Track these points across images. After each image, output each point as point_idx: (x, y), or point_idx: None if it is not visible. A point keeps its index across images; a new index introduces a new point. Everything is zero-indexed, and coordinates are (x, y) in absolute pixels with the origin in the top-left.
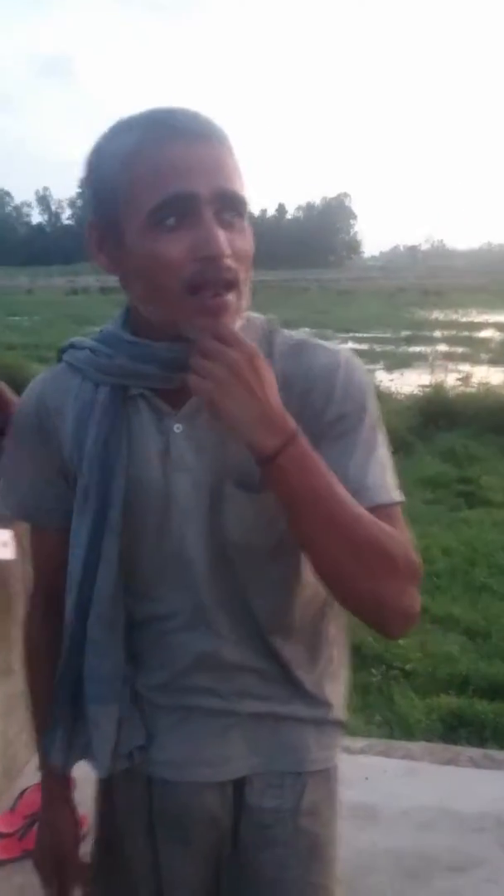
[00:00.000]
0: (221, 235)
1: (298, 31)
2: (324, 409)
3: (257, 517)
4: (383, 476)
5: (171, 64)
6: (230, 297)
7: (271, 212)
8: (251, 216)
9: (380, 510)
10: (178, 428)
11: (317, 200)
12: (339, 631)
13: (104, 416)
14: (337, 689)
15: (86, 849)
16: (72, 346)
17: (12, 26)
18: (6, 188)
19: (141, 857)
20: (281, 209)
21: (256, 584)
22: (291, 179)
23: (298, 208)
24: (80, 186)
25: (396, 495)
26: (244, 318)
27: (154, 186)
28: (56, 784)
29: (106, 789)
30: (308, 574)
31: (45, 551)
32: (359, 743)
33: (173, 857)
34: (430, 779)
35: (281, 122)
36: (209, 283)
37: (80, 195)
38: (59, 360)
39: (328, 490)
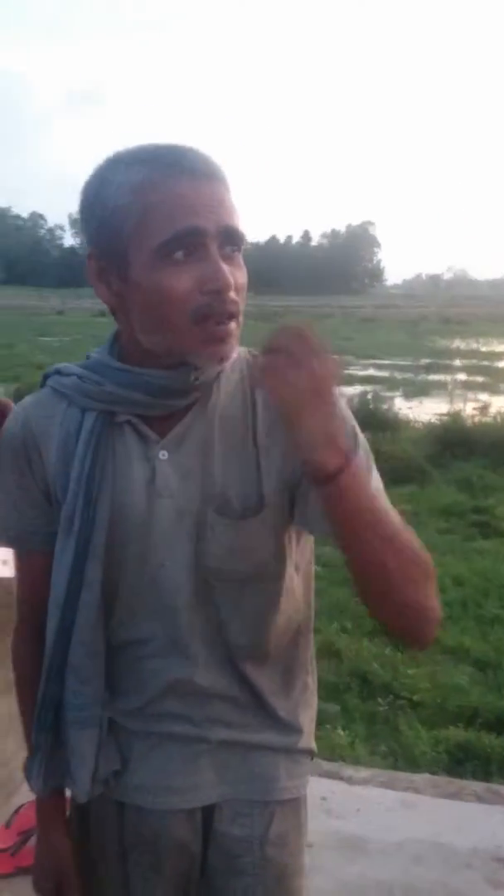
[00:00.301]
0: (227, 269)
1: (324, 63)
2: None
3: (238, 544)
4: (382, 497)
5: (198, 88)
6: (232, 324)
7: (297, 238)
8: (275, 242)
9: None
10: (163, 455)
11: (341, 228)
12: (311, 659)
13: (90, 441)
14: (309, 718)
15: None
16: (58, 371)
17: (48, 55)
18: (40, 211)
19: (112, 882)
20: (306, 236)
21: (234, 611)
22: (317, 206)
23: (323, 235)
24: (80, 215)
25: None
26: None
27: (164, 221)
28: (50, 805)
29: (80, 813)
30: (285, 602)
31: (31, 574)
32: (362, 773)
33: (143, 883)
34: (426, 812)
35: (308, 149)
36: (215, 314)
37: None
38: (43, 385)
39: (377, 505)
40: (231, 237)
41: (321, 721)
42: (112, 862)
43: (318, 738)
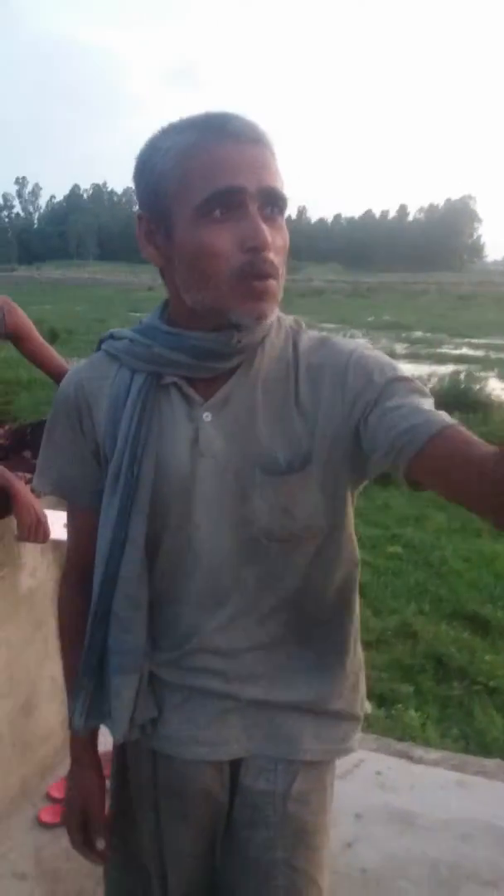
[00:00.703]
0: (265, 229)
1: (419, 32)
2: (368, 384)
3: (285, 501)
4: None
5: (289, 62)
6: (271, 282)
7: (393, 213)
8: (371, 217)
9: (450, 428)
10: (207, 416)
11: (440, 202)
12: (355, 629)
13: (138, 401)
14: (346, 684)
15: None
16: (111, 336)
17: (144, 35)
18: (134, 186)
19: (146, 825)
20: (402, 210)
21: (284, 571)
22: (414, 180)
23: (420, 210)
24: (133, 180)
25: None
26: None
27: (205, 180)
28: (83, 745)
29: (119, 758)
30: (333, 564)
31: (80, 528)
32: (432, 755)
33: (173, 828)
34: (481, 793)
35: (407, 123)
36: (254, 272)
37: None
38: (98, 348)
39: None
40: (271, 199)
41: (393, 701)
42: (146, 806)
43: (388, 718)
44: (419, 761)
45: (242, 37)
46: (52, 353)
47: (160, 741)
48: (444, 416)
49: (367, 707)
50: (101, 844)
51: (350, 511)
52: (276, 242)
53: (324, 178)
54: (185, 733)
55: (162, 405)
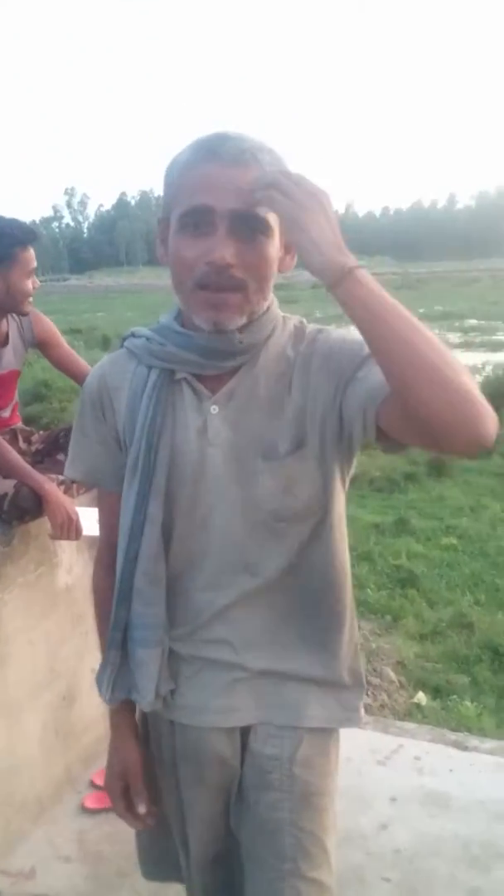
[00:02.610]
0: (229, 246)
1: (463, 19)
2: (348, 363)
3: (285, 481)
4: None
5: (334, 61)
6: (231, 295)
7: (442, 202)
8: (419, 207)
9: None
10: (214, 409)
11: (490, 189)
12: (352, 609)
13: (153, 395)
14: (345, 655)
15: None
16: (132, 334)
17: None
18: None
19: (168, 788)
20: (451, 199)
21: (283, 548)
22: (463, 168)
23: (471, 197)
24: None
25: None
26: (277, 316)
27: (187, 196)
28: (120, 715)
29: (143, 727)
30: (332, 544)
31: (107, 512)
32: (487, 744)
33: (191, 792)
34: None
35: (454, 110)
36: (213, 284)
37: None
38: (121, 346)
39: (399, 305)
40: (245, 220)
41: (448, 692)
42: (167, 771)
43: (444, 710)
44: (474, 751)
45: (291, 33)
46: (78, 358)
47: (176, 711)
48: None
49: (422, 698)
50: (142, 809)
51: (342, 493)
52: (247, 258)
53: (371, 171)
54: (198, 703)
55: (175, 398)
